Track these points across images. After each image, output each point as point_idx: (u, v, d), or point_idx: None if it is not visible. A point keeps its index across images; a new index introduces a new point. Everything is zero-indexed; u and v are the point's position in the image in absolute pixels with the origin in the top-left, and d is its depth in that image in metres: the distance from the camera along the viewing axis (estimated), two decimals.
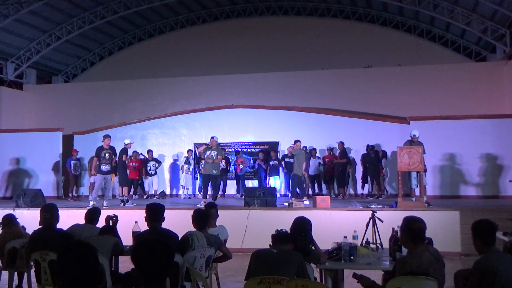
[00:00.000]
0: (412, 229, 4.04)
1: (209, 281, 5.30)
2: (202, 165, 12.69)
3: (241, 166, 15.63)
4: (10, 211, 9.83)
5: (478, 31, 17.33)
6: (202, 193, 12.21)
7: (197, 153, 14.61)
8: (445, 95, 17.44)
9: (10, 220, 6.59)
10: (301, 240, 4.69)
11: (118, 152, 12.31)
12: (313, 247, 4.96)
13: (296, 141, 12.44)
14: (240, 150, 16.25)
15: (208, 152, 11.73)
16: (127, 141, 12.97)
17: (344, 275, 5.44)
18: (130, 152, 13.46)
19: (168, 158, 17.00)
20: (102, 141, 11.91)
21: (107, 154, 11.63)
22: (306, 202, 11.53)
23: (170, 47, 21.79)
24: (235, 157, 16.01)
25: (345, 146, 15.01)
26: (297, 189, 12.49)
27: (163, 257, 2.45)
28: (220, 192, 15.52)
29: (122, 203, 11.99)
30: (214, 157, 11.63)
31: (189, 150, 15.86)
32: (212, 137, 11.97)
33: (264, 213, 10.27)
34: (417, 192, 10.81)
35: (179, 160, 16.44)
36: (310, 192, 15.23)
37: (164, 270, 2.44)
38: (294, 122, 16.13)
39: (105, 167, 11.62)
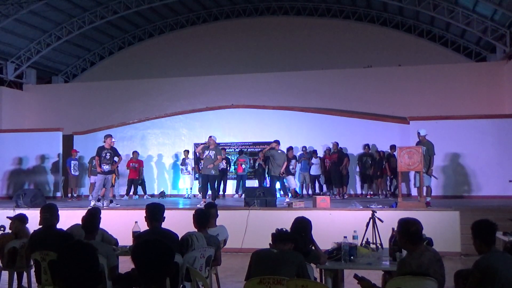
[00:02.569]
0: (410, 232, 4.06)
1: (209, 281, 5.29)
2: (201, 165, 12.67)
3: (243, 166, 15.61)
4: (10, 211, 9.85)
5: (478, 31, 17.32)
6: (201, 193, 12.19)
7: (197, 153, 14.60)
8: (445, 95, 17.44)
9: (22, 220, 6.63)
10: (301, 240, 4.69)
11: (119, 152, 12.29)
12: (313, 247, 4.95)
13: (274, 141, 12.34)
14: (243, 150, 16.21)
15: (206, 152, 11.69)
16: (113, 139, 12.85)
17: (344, 275, 5.44)
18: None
19: (168, 158, 17.01)
20: (104, 141, 11.89)
21: (108, 154, 11.62)
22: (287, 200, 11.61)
23: (170, 47, 21.80)
24: (236, 157, 15.98)
25: (344, 146, 15.02)
26: (286, 189, 12.52)
27: (163, 257, 2.45)
28: (220, 192, 15.55)
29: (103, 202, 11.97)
30: (213, 157, 11.58)
31: (185, 151, 15.84)
32: (210, 137, 11.93)
33: (264, 213, 10.26)
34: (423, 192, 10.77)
35: (179, 160, 16.44)
36: (310, 192, 15.26)
37: (164, 270, 2.44)
38: (294, 122, 16.13)
39: (105, 167, 11.60)
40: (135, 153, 15.81)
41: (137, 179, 15.63)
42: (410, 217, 4.21)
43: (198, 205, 11.35)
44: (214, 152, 11.61)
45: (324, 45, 20.35)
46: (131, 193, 15.57)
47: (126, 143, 16.77)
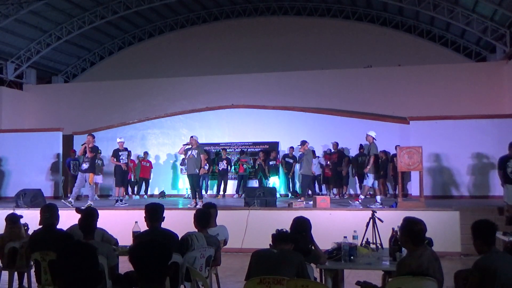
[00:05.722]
0: (413, 231, 4.05)
1: (209, 281, 5.29)
2: (186, 167, 12.62)
3: (244, 166, 15.59)
4: (11, 211, 9.84)
5: (478, 31, 17.32)
6: (191, 193, 12.17)
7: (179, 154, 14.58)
8: (445, 95, 17.43)
9: (11, 220, 6.60)
10: (301, 239, 4.69)
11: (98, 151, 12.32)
12: (312, 247, 4.96)
13: (304, 142, 12.58)
14: (244, 150, 16.17)
15: (189, 152, 11.67)
16: (119, 140, 12.97)
17: (344, 275, 5.44)
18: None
19: (168, 158, 17.01)
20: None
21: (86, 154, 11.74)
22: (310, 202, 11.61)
23: (170, 47, 21.79)
24: (238, 157, 15.94)
25: (344, 147, 15.03)
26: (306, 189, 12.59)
27: (160, 258, 2.46)
28: (220, 192, 15.56)
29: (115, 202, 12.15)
30: (196, 156, 11.52)
31: (185, 150, 15.81)
32: (192, 137, 11.90)
33: (264, 213, 10.26)
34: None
35: (178, 160, 16.43)
36: (310, 192, 15.24)
37: (162, 270, 2.44)
38: (294, 122, 16.13)
39: (83, 166, 11.77)
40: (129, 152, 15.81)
41: (130, 179, 15.58)
42: (416, 217, 4.21)
43: (189, 205, 11.39)
44: (196, 151, 11.57)
45: (324, 45, 20.34)
46: (130, 192, 15.56)
47: (126, 143, 16.72)
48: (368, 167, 10.74)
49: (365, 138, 11.08)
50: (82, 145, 12.11)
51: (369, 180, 10.84)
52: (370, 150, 10.89)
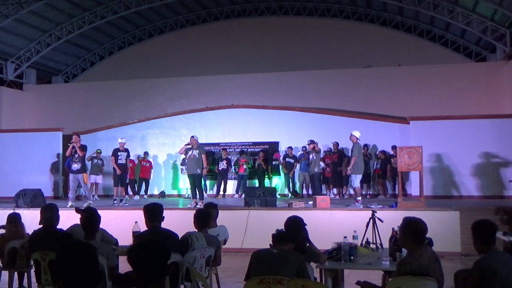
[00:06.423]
0: (416, 230, 4.05)
1: (209, 281, 5.29)
2: (186, 166, 12.62)
3: (244, 166, 15.58)
4: (11, 211, 9.83)
5: (478, 31, 17.33)
6: (190, 193, 12.18)
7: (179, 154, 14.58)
8: (445, 95, 17.44)
9: (13, 219, 6.61)
10: (297, 238, 4.69)
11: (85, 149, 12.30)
12: (308, 245, 4.96)
13: (313, 141, 12.91)
14: (244, 150, 16.15)
15: (190, 152, 11.67)
16: (120, 140, 13.02)
17: (344, 275, 5.44)
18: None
19: (168, 158, 17.02)
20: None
21: (76, 154, 11.70)
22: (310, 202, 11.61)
23: (170, 47, 21.80)
24: (237, 157, 15.92)
25: (344, 147, 15.03)
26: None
27: (159, 258, 2.46)
28: (220, 192, 15.56)
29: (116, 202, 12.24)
30: (197, 156, 11.49)
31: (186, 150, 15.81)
32: (192, 137, 11.89)
33: (264, 213, 10.26)
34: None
35: (178, 160, 16.43)
36: (310, 192, 15.25)
37: (161, 270, 2.45)
38: (294, 122, 16.13)
39: (74, 166, 11.69)
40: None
41: (132, 179, 15.56)
42: (416, 217, 4.21)
43: (189, 205, 11.38)
44: (197, 151, 11.54)
45: (324, 45, 20.35)
46: (130, 193, 15.56)
47: (126, 143, 16.74)
48: (349, 168, 10.74)
49: (349, 137, 11.03)
50: (70, 143, 12.01)
51: (355, 181, 10.84)
52: (352, 151, 10.85)
